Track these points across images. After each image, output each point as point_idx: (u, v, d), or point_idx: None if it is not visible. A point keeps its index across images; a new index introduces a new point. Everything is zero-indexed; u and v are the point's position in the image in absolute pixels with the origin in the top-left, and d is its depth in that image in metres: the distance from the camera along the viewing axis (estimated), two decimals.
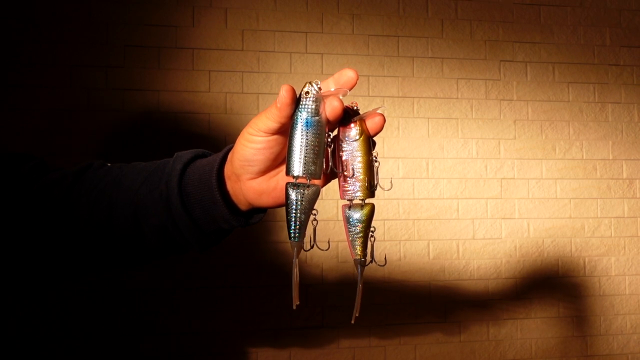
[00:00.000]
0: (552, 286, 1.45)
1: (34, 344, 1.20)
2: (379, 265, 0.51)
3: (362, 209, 0.47)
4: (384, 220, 1.38)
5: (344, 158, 0.48)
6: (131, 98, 1.28)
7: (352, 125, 0.47)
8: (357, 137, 0.47)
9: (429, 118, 1.42)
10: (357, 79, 0.45)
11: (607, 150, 1.50)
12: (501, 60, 1.47)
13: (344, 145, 0.48)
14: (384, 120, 0.48)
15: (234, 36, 1.34)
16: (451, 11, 1.45)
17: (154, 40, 1.30)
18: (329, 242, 0.58)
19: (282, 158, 0.49)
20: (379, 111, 0.47)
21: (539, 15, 1.50)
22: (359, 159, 0.47)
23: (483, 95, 1.45)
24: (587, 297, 1.46)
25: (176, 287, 1.27)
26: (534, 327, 1.43)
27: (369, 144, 0.48)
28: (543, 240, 1.45)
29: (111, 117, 1.27)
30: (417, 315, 1.38)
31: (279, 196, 0.50)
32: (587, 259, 1.47)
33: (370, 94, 1.40)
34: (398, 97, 1.41)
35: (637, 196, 1.51)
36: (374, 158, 0.48)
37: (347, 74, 0.45)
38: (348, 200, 0.48)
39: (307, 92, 0.45)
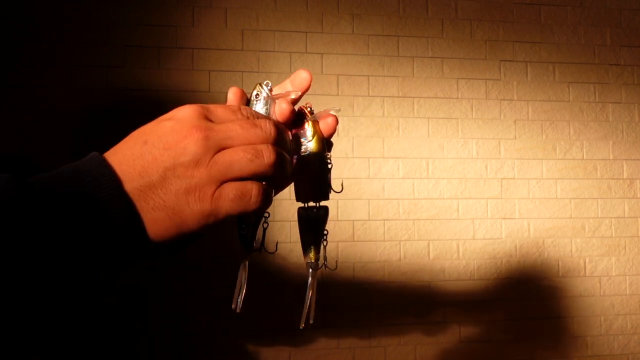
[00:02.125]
0: (552, 286, 1.45)
1: (34, 343, 1.20)
2: (330, 269, 0.51)
3: (315, 212, 0.47)
4: (384, 220, 1.38)
5: (297, 160, 0.47)
6: (131, 98, 1.28)
7: (305, 126, 0.47)
8: (310, 138, 0.47)
9: (429, 118, 1.42)
10: (311, 80, 0.45)
11: (608, 150, 1.50)
12: (501, 60, 1.47)
13: (297, 147, 0.47)
14: (337, 122, 0.47)
15: (234, 36, 1.34)
16: (451, 11, 1.45)
17: (154, 40, 1.30)
18: (276, 244, 0.59)
19: None
20: (332, 112, 0.47)
21: (539, 15, 1.49)
22: (313, 160, 0.47)
23: (483, 95, 1.45)
24: (588, 297, 1.46)
25: (174, 287, 1.27)
26: (534, 328, 1.43)
27: (323, 145, 0.47)
28: (543, 240, 1.45)
29: (111, 117, 1.27)
30: (417, 315, 1.38)
31: None
32: (587, 259, 1.47)
33: (370, 94, 1.39)
34: (398, 97, 1.41)
35: (638, 196, 1.50)
36: (328, 160, 0.47)
37: (301, 75, 0.45)
38: (302, 202, 0.48)
39: (257, 95, 0.45)
